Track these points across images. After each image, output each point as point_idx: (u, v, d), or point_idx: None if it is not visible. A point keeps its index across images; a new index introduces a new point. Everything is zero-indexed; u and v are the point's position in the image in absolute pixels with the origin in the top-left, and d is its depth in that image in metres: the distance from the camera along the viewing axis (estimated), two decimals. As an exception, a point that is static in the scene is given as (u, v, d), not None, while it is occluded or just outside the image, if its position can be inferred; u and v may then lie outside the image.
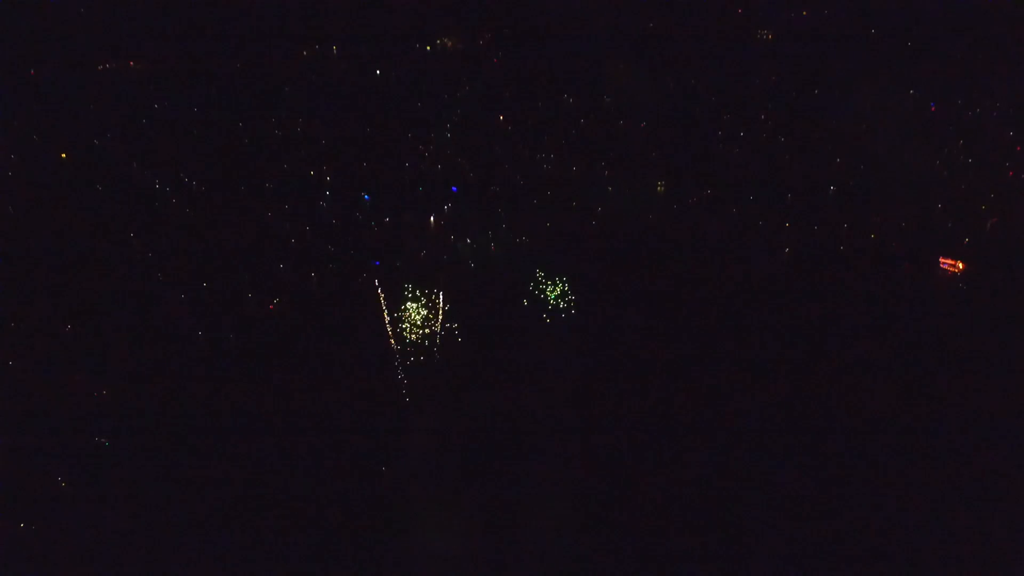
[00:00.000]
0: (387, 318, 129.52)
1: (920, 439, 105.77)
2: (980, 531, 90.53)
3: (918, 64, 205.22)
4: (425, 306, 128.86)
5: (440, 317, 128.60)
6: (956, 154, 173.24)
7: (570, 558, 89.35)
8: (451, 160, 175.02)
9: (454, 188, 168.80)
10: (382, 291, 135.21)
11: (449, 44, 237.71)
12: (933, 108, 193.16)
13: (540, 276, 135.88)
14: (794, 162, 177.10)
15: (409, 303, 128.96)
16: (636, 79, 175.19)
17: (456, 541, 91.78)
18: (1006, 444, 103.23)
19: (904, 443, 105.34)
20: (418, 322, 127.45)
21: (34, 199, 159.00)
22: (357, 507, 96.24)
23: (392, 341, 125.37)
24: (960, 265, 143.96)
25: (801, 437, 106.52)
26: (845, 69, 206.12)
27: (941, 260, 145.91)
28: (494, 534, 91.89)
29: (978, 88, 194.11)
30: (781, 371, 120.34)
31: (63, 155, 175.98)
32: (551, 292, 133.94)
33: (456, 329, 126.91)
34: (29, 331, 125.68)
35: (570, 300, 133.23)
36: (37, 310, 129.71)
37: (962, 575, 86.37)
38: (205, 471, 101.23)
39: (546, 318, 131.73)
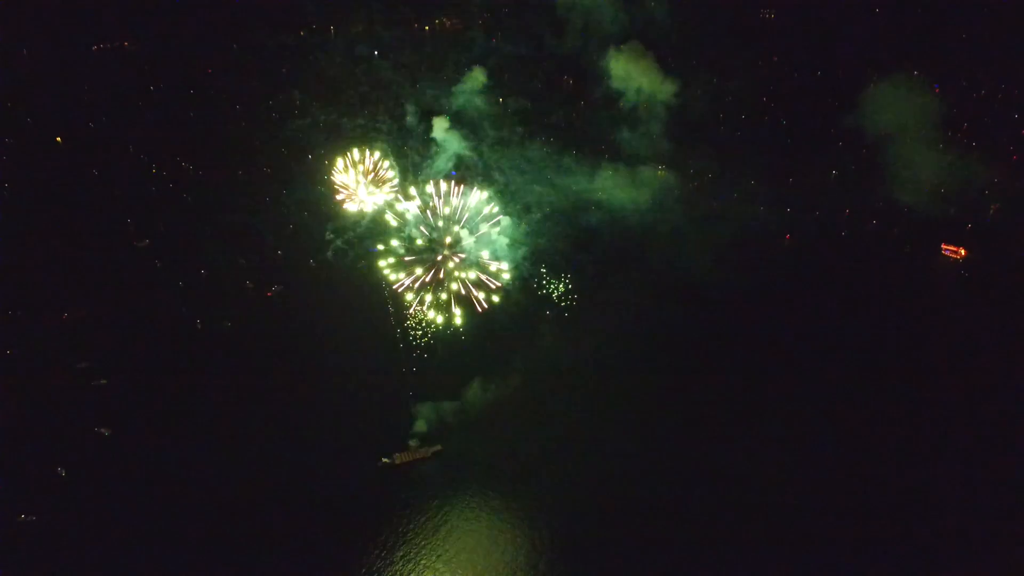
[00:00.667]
0: (388, 305, 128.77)
1: (921, 423, 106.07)
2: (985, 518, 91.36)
3: (922, 45, 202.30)
4: (426, 292, 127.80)
5: (441, 304, 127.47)
6: (960, 138, 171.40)
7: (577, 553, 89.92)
8: (450, 143, 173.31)
9: (453, 172, 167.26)
10: (381, 278, 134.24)
11: (447, 24, 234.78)
12: (937, 90, 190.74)
13: (540, 259, 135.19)
14: (795, 146, 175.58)
15: (410, 289, 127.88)
16: (636, 61, 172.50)
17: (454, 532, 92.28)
18: (1007, 426, 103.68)
19: (905, 427, 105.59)
20: (419, 308, 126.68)
21: (29, 183, 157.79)
22: (359, 495, 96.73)
23: (393, 327, 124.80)
24: (962, 251, 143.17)
25: (802, 420, 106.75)
26: (847, 51, 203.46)
27: (943, 246, 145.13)
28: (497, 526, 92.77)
29: (983, 70, 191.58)
30: (782, 355, 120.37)
31: (58, 139, 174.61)
32: (551, 276, 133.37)
33: (458, 316, 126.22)
34: (26, 318, 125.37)
35: (570, 284, 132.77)
36: (33, 296, 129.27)
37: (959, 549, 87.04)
38: (205, 458, 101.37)
39: (546, 302, 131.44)
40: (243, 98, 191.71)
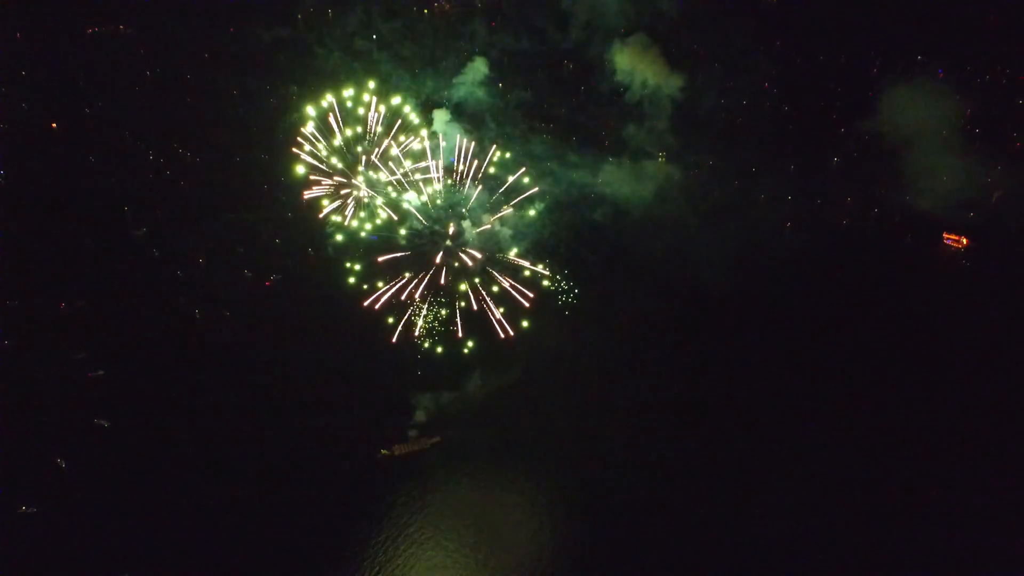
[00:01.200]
0: (388, 297, 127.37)
1: (922, 414, 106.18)
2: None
3: (925, 29, 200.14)
4: (427, 283, 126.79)
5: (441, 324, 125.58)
6: (964, 126, 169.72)
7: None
8: (448, 132, 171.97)
9: (452, 159, 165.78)
10: (380, 268, 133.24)
11: (447, 7, 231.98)
12: (941, 75, 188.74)
13: (542, 253, 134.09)
14: (796, 133, 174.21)
15: (410, 280, 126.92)
16: (641, 54, 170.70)
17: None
18: (1007, 416, 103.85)
19: (905, 419, 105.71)
20: (419, 299, 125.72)
21: (24, 171, 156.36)
22: (358, 487, 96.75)
23: (394, 320, 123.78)
24: (964, 241, 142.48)
25: (802, 411, 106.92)
26: (849, 35, 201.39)
27: (944, 235, 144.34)
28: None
29: (987, 54, 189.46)
30: (781, 345, 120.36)
31: (53, 125, 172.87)
32: (553, 269, 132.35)
33: (457, 309, 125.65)
34: (22, 308, 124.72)
35: (571, 276, 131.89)
36: (29, 287, 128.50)
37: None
38: (203, 449, 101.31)
39: (548, 295, 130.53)
40: (241, 85, 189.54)
